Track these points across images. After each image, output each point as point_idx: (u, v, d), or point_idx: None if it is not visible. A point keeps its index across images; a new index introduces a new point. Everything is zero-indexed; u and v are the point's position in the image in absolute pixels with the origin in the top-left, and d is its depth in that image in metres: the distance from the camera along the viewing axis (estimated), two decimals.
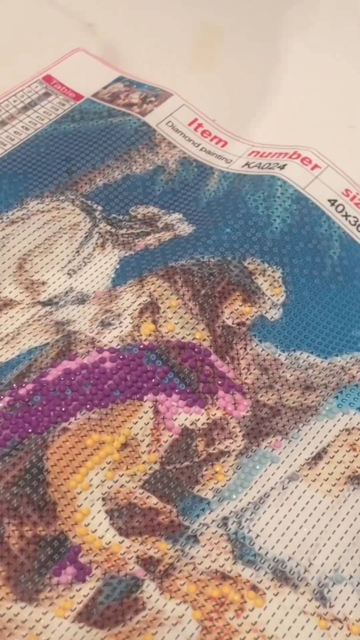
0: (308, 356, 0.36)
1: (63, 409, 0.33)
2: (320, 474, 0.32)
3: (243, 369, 0.35)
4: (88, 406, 0.33)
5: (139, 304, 0.37)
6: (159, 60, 0.52)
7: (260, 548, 0.30)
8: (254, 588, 0.29)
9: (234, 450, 0.32)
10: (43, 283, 0.38)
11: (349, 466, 0.32)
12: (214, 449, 0.33)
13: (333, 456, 0.32)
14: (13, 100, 0.47)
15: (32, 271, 0.39)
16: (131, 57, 0.52)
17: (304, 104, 0.50)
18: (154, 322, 0.36)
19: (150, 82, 0.49)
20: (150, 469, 0.32)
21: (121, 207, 0.42)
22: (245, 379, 0.35)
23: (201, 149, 0.45)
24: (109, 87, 0.49)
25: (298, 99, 0.50)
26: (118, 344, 0.35)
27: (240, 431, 0.33)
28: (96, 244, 0.40)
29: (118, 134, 0.45)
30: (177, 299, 0.37)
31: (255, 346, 0.36)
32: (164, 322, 0.36)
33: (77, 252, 0.40)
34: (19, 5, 0.55)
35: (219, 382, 0.34)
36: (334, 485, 0.31)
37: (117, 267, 0.39)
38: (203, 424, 0.33)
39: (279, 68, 0.52)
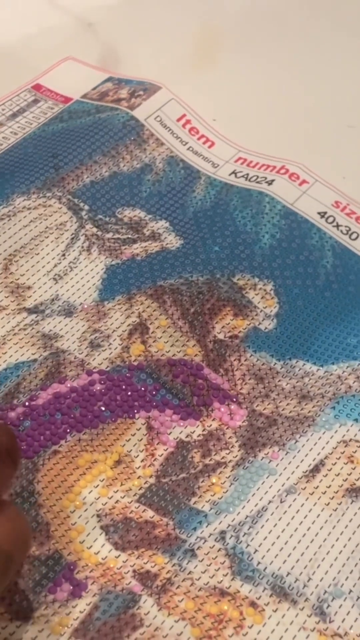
0: (304, 364, 0.35)
1: (53, 433, 0.32)
2: (318, 486, 0.32)
3: (238, 380, 0.35)
4: (78, 428, 0.33)
5: (128, 325, 0.36)
6: (156, 60, 0.51)
7: (259, 563, 0.29)
8: (252, 604, 0.28)
9: (230, 461, 0.32)
10: (29, 288, 0.37)
11: (346, 478, 0.32)
12: (210, 460, 0.32)
13: (331, 468, 0.32)
14: (1, 108, 0.46)
15: (17, 274, 0.38)
16: (129, 57, 0.51)
17: (298, 107, 0.49)
18: (143, 342, 0.36)
19: (138, 78, 0.48)
20: (145, 482, 0.31)
21: (107, 208, 0.41)
22: (241, 389, 0.34)
23: (188, 148, 0.45)
24: (98, 87, 0.48)
25: (293, 103, 0.50)
26: (107, 366, 0.35)
27: (236, 441, 0.33)
28: (82, 247, 0.39)
29: (106, 129, 0.45)
30: (167, 319, 0.37)
31: (250, 357, 0.36)
32: (153, 341, 0.36)
33: (63, 255, 0.39)
34: (11, 13, 0.55)
35: (214, 394, 0.34)
36: (332, 498, 0.31)
37: (104, 276, 0.38)
38: (199, 435, 0.33)
39: (276, 70, 0.52)
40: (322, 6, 0.57)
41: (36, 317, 0.36)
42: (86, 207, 0.41)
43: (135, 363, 0.35)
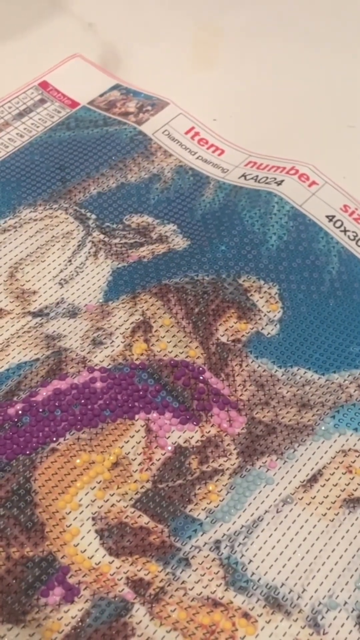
0: (305, 372, 0.35)
1: (52, 430, 0.32)
2: (315, 497, 0.31)
3: (239, 386, 0.34)
4: (77, 426, 0.32)
5: (131, 323, 0.36)
6: (158, 61, 0.51)
7: (253, 574, 0.29)
8: (245, 615, 0.28)
9: (227, 469, 0.32)
10: (34, 292, 0.37)
11: (344, 489, 0.31)
12: (207, 467, 0.32)
13: (329, 479, 0.32)
14: (8, 106, 0.46)
15: (23, 280, 0.38)
16: (130, 58, 0.51)
17: (304, 110, 0.49)
18: (146, 341, 0.35)
19: (147, 91, 0.48)
20: (142, 487, 0.31)
21: (115, 216, 0.41)
22: (241, 395, 0.34)
23: (197, 157, 0.45)
24: (105, 94, 0.48)
25: (298, 105, 0.49)
26: (109, 364, 0.34)
27: (234, 449, 0.32)
28: (89, 253, 0.39)
29: (113, 143, 0.45)
30: (170, 318, 0.36)
31: (252, 362, 0.35)
32: (156, 341, 0.35)
33: (69, 261, 0.39)
34: (15, 9, 0.55)
35: (214, 399, 0.34)
36: (329, 508, 0.31)
37: (110, 279, 0.38)
38: (197, 441, 0.33)
39: (279, 72, 0.51)
40: (322, 6, 0.56)
41: (40, 320, 0.36)
42: (93, 217, 0.41)
43: (137, 362, 0.35)
